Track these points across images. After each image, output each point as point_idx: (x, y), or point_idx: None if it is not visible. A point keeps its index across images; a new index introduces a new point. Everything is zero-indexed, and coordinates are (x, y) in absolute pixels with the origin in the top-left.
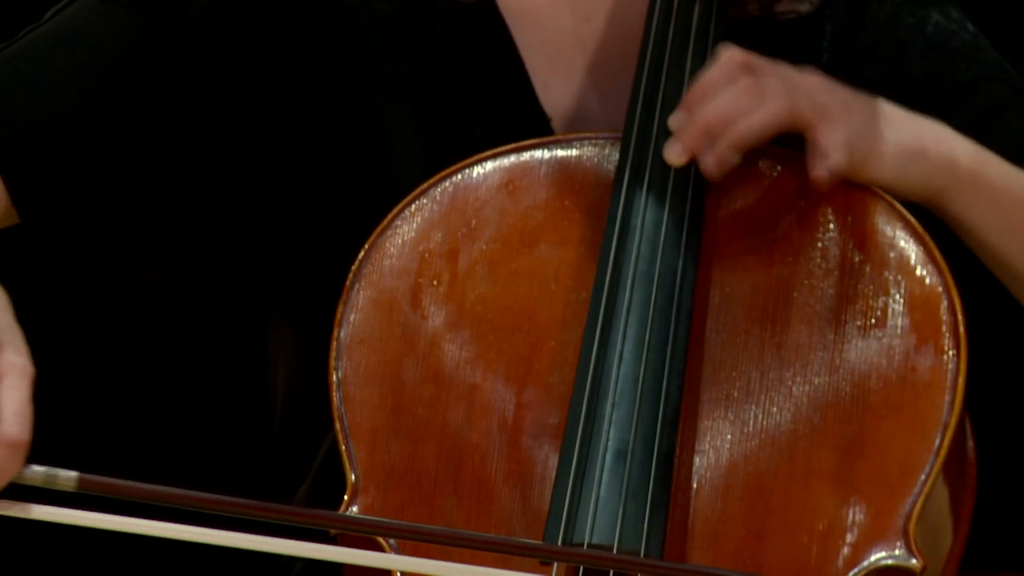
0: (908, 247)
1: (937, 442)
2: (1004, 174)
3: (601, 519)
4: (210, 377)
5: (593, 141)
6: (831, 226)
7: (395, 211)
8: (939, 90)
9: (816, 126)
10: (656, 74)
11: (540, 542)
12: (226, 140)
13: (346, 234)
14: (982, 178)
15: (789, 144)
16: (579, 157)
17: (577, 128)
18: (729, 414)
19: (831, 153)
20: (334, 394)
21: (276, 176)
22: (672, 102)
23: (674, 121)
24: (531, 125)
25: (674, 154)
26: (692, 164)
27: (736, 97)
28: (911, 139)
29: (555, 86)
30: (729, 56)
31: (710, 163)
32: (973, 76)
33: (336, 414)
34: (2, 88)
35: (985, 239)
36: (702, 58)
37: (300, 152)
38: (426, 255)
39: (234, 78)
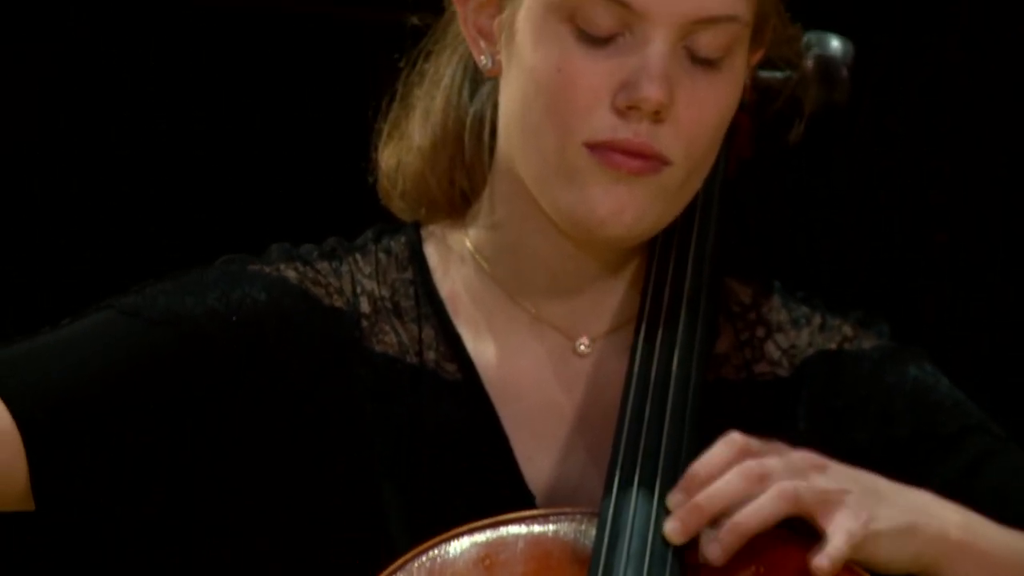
0: None
1: None
2: (993, 539)
3: None
4: None
5: (570, 517)
6: None
7: None
8: (925, 446)
9: (819, 513)
10: (632, 450)
11: None
12: (219, 474)
13: None
14: (972, 546)
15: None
16: (556, 532)
17: (561, 501)
18: None
19: (834, 541)
20: None
21: (259, 533)
22: (649, 479)
23: (672, 500)
24: (515, 503)
25: (675, 534)
26: (668, 544)
27: (739, 481)
28: (904, 516)
29: (538, 459)
30: (731, 439)
31: (716, 554)
32: (956, 428)
33: None
34: (23, 380)
35: None
36: (679, 433)
37: (282, 510)
38: None
39: (238, 416)
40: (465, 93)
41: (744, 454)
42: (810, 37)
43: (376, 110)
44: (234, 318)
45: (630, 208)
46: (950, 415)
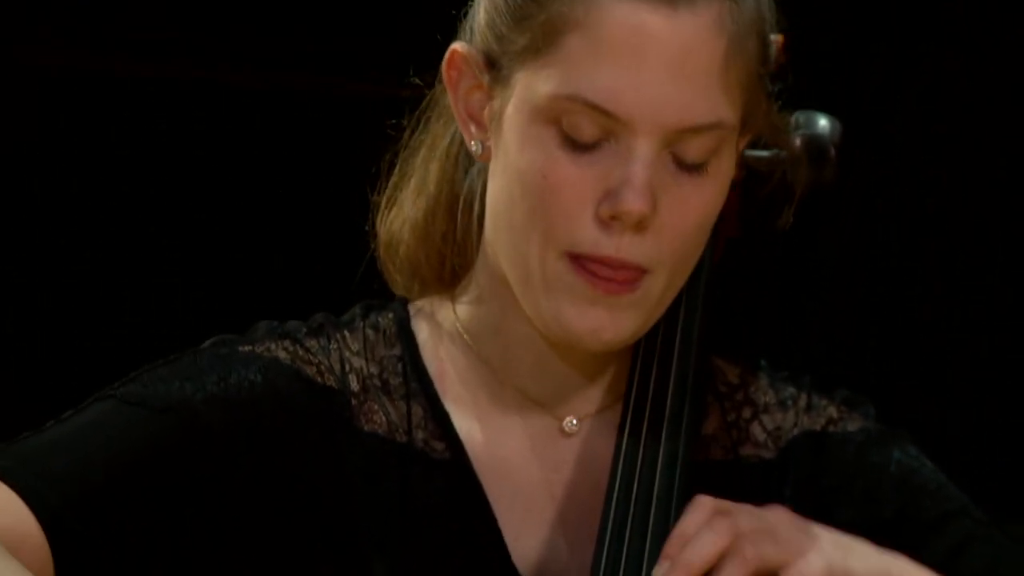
0: None
1: None
2: None
3: None
4: None
5: None
6: None
7: None
8: (908, 528)
9: (790, 565)
10: (620, 530)
11: None
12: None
13: None
14: None
15: None
16: None
17: None
18: None
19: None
20: None
21: None
22: (636, 559)
23: (659, 572)
24: None
25: None
26: None
27: (714, 543)
28: (879, 571)
29: (526, 538)
30: (700, 502)
31: None
32: (939, 512)
33: None
34: (40, 480)
35: None
36: (666, 514)
37: None
38: None
39: (235, 497)
40: (461, 164)
41: (715, 513)
42: (798, 116)
43: (375, 179)
44: (232, 402)
45: (609, 327)
46: (933, 499)
